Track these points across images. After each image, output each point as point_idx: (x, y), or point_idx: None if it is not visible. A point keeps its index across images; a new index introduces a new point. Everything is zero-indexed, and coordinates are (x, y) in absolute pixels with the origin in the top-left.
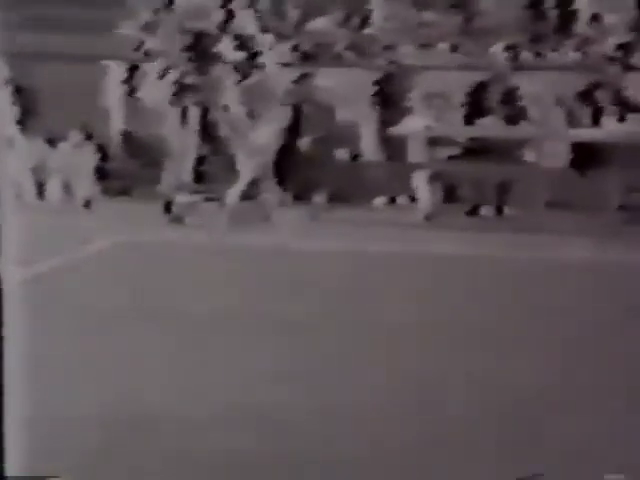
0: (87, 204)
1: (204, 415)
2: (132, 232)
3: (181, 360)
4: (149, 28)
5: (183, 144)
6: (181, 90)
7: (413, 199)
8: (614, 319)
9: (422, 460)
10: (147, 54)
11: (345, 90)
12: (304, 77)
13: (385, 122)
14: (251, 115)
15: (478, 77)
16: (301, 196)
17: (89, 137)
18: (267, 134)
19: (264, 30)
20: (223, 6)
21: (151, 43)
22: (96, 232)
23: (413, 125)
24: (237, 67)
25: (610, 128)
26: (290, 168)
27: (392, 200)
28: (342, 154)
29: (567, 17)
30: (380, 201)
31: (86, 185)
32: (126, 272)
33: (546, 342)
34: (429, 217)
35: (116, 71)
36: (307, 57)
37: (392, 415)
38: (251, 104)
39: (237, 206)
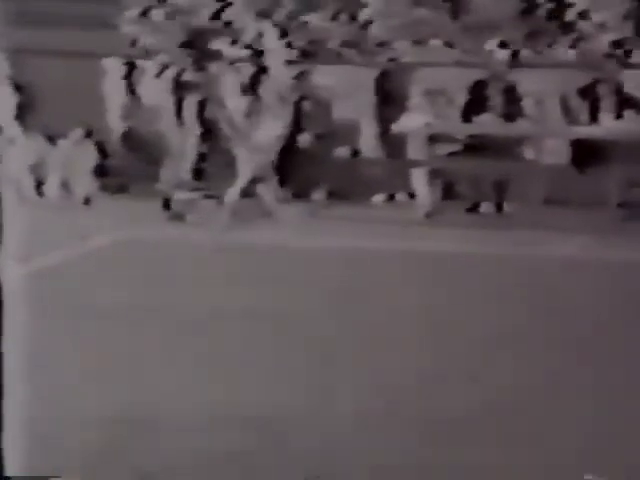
0: (86, 201)
1: (203, 414)
2: (132, 229)
3: (181, 358)
4: (147, 24)
5: (182, 141)
6: (180, 87)
7: (412, 196)
8: (615, 316)
9: (422, 460)
10: (146, 51)
11: (344, 87)
12: (303, 74)
13: (384, 119)
14: (251, 112)
15: (476, 74)
16: (301, 193)
17: (88, 134)
18: (268, 132)
19: (262, 27)
20: (220, 2)
21: (149, 40)
22: (95, 229)
23: (412, 122)
24: (236, 64)
25: (609, 125)
26: (290, 166)
27: (391, 197)
28: (341, 151)
29: (563, 13)
30: (379, 198)
31: (85, 182)
32: (126, 269)
33: (547, 339)
34: (428, 214)
35: (115, 68)
36: (305, 54)
37: (392, 413)
38: (250, 101)
39: (237, 203)
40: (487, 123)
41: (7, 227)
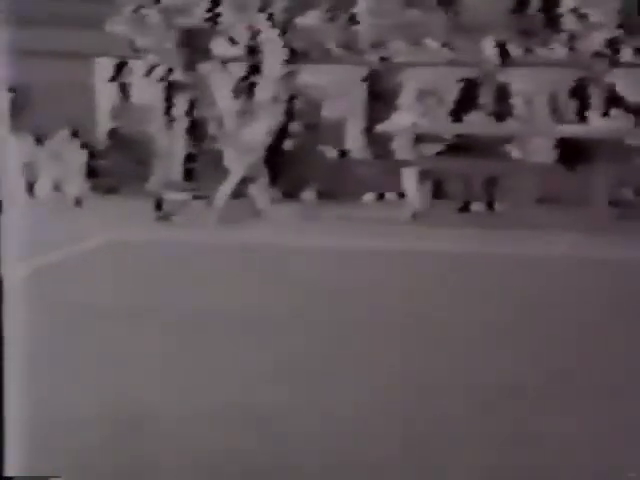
0: (77, 202)
1: (197, 413)
2: (123, 230)
3: (178, 358)
4: (137, 24)
5: (172, 142)
6: (170, 87)
7: (402, 196)
8: (604, 314)
9: (422, 461)
10: (136, 51)
11: (333, 87)
12: (293, 74)
13: (373, 119)
14: (241, 112)
15: (466, 73)
16: (290, 193)
17: (77, 134)
18: (258, 131)
19: (254, 26)
20: (211, 2)
21: (140, 40)
22: (86, 230)
23: (401, 122)
24: (226, 64)
25: (598, 124)
26: (280, 165)
27: (381, 197)
28: (331, 151)
29: (554, 12)
30: (369, 198)
31: (76, 183)
32: (119, 270)
33: (537, 337)
34: (418, 214)
35: (104, 68)
36: (296, 54)
37: (384, 413)
38: (240, 101)
39: (227, 203)
40: (476, 122)
41: (3, 227)
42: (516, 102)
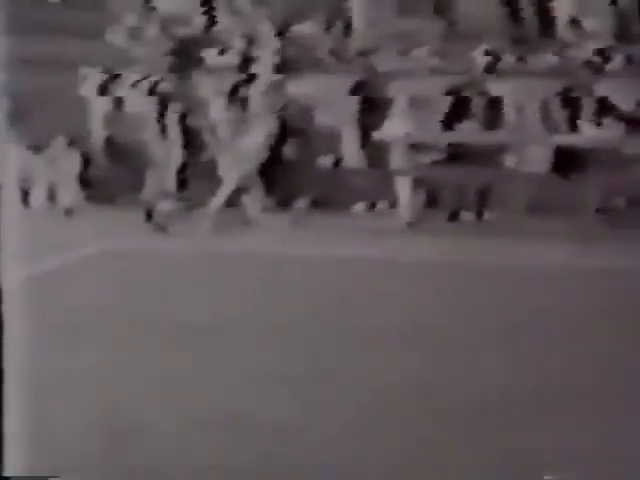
0: (70, 211)
1: (195, 421)
2: (117, 239)
3: (174, 366)
4: (132, 34)
5: (165, 151)
6: (163, 96)
7: (395, 205)
8: (596, 322)
9: (422, 467)
10: (130, 60)
11: (326, 96)
12: (286, 83)
13: (366, 128)
14: (235, 121)
15: (458, 82)
16: (283, 202)
17: (73, 144)
18: (252, 141)
19: (247, 36)
20: (205, 12)
21: (134, 49)
22: (80, 239)
23: (394, 131)
24: (220, 74)
25: (590, 133)
26: (273, 175)
27: (374, 206)
28: (324, 160)
29: (547, 22)
30: (362, 207)
31: (70, 192)
32: (112, 279)
33: (529, 346)
34: (411, 223)
35: (98, 78)
36: (289, 63)
37: (383, 420)
38: (234, 111)
39: (220, 213)
40: (468, 131)
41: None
42: (508, 111)
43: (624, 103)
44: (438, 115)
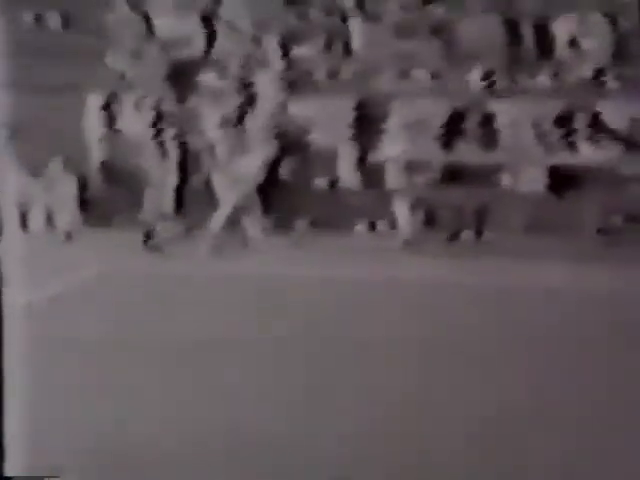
0: (69, 235)
1: (196, 443)
2: (115, 262)
3: (175, 389)
4: (131, 57)
5: (163, 173)
6: (161, 119)
7: (393, 225)
8: (595, 342)
9: (423, 478)
10: (128, 83)
11: (323, 117)
12: (285, 105)
13: (363, 149)
14: (233, 143)
15: (456, 103)
16: (282, 223)
17: (70, 167)
18: (251, 163)
19: (246, 58)
20: (205, 34)
21: (133, 72)
22: (78, 262)
23: (391, 151)
24: (219, 95)
25: (587, 153)
26: (271, 195)
27: (372, 226)
28: (321, 181)
29: (545, 42)
30: (361, 228)
31: (68, 215)
32: (112, 303)
33: (529, 367)
34: (409, 243)
35: (96, 101)
36: (288, 85)
37: (379, 437)
38: (233, 133)
39: (218, 235)
40: (466, 151)
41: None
42: (505, 131)
43: (621, 123)
44: (435, 135)
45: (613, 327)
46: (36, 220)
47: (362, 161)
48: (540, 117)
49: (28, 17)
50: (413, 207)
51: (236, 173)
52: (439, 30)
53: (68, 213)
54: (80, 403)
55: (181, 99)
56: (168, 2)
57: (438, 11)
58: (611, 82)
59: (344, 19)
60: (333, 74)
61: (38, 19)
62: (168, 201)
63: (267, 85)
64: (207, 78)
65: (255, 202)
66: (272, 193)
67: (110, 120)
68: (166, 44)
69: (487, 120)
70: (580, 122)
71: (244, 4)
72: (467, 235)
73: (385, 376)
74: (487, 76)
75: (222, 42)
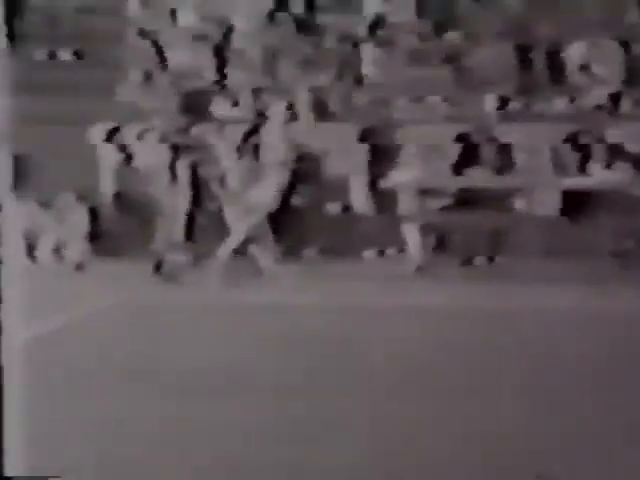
0: (80, 266)
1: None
2: (127, 292)
3: (188, 416)
4: (143, 88)
5: (175, 203)
6: (173, 149)
7: (404, 251)
8: (610, 366)
9: None
10: (140, 115)
11: (336, 144)
12: (296, 132)
13: (375, 175)
14: (245, 172)
15: (469, 128)
16: (292, 251)
17: (81, 199)
18: (264, 193)
19: (257, 88)
20: (217, 65)
21: (144, 103)
22: (90, 293)
23: (403, 177)
24: (231, 125)
25: (599, 176)
26: (282, 223)
27: (383, 252)
28: (333, 207)
29: (557, 68)
30: (371, 254)
31: (78, 246)
32: (123, 333)
33: (544, 391)
34: (420, 269)
35: (106, 132)
36: (298, 113)
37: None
38: (244, 162)
39: (229, 263)
40: (478, 176)
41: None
42: (518, 155)
43: (634, 146)
44: (448, 161)
45: (628, 347)
46: (45, 251)
47: (374, 187)
48: (553, 141)
49: (41, 54)
50: (425, 232)
51: (248, 202)
52: (453, 57)
53: (79, 244)
54: (84, 431)
55: (192, 129)
56: (181, 33)
57: (451, 38)
58: (624, 106)
59: (356, 45)
60: (345, 101)
61: (52, 56)
62: (179, 230)
63: (279, 114)
64: (220, 108)
65: (266, 231)
66: (283, 220)
67: (123, 151)
68: (178, 75)
69: (501, 145)
70: (594, 146)
71: (256, 34)
72: (480, 260)
73: (399, 401)
74: (501, 102)
75: (234, 72)
